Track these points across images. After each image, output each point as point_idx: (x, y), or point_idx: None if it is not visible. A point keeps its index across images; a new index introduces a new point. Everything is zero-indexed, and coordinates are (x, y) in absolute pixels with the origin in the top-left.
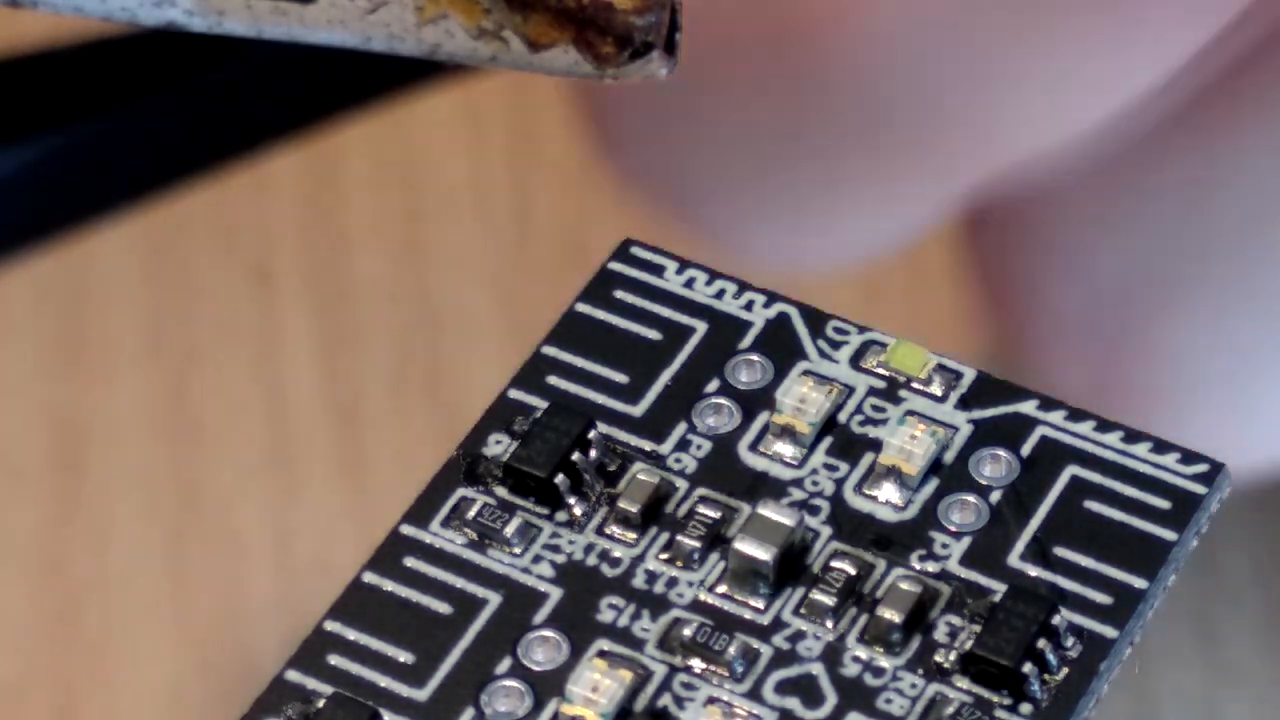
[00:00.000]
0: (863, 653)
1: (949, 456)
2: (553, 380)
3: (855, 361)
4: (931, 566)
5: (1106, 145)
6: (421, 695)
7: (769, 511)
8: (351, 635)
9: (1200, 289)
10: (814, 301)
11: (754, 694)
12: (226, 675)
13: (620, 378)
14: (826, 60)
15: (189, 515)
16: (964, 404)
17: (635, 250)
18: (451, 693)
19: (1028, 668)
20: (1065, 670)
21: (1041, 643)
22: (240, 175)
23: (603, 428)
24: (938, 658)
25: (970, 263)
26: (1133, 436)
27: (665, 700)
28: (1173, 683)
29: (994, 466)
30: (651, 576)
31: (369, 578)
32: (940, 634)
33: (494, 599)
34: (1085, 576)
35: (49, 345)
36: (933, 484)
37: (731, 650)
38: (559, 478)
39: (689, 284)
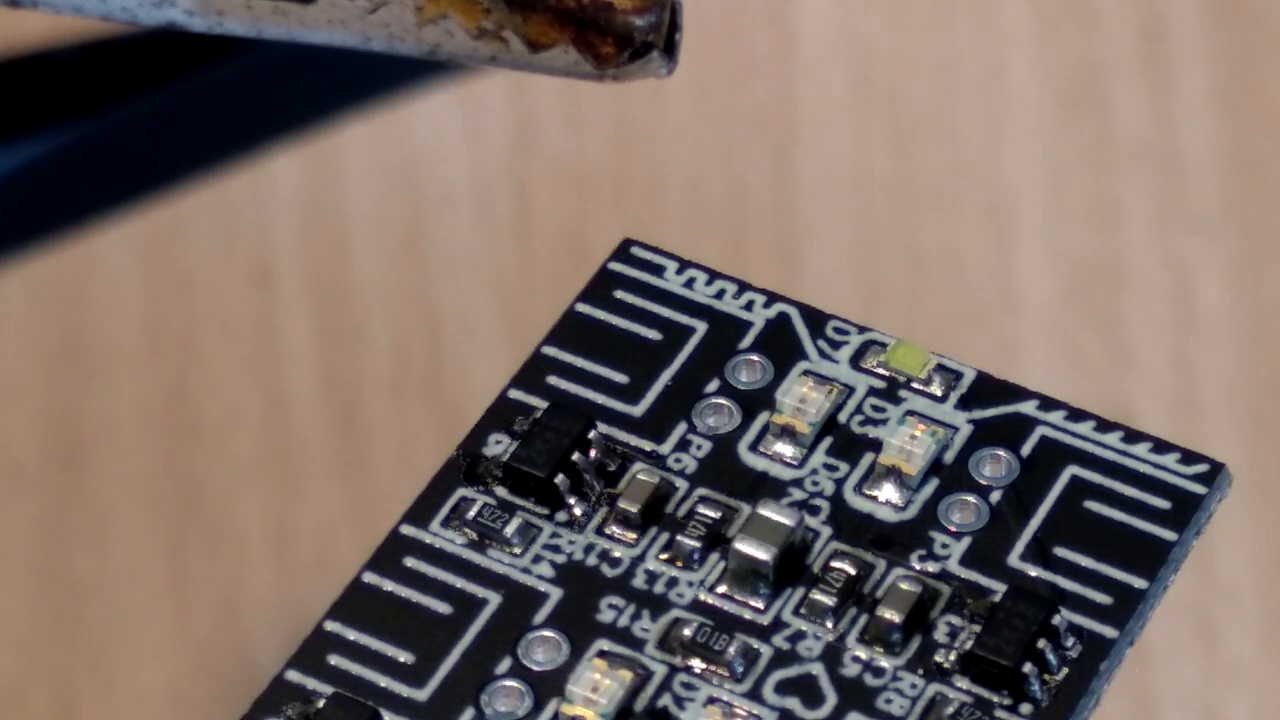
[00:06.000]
0: (863, 653)
1: (949, 456)
2: (553, 380)
3: (855, 361)
4: (931, 566)
5: None
6: (421, 695)
7: (769, 511)
8: (351, 635)
9: None
10: (814, 301)
11: (754, 694)
12: (226, 675)
13: (620, 378)
14: None
15: (189, 515)
16: (964, 404)
17: (635, 250)
18: (451, 693)
19: (1028, 668)
20: (1065, 670)
21: (1041, 643)
22: (240, 175)
23: (603, 428)
24: (938, 658)
25: None
26: (1133, 436)
27: (665, 700)
28: (1173, 683)
29: (994, 466)
30: (651, 576)
31: (369, 578)
32: (940, 634)
33: (494, 599)
34: (1085, 576)
35: (49, 345)
36: (933, 484)
37: (731, 650)
38: (559, 478)
39: (689, 284)
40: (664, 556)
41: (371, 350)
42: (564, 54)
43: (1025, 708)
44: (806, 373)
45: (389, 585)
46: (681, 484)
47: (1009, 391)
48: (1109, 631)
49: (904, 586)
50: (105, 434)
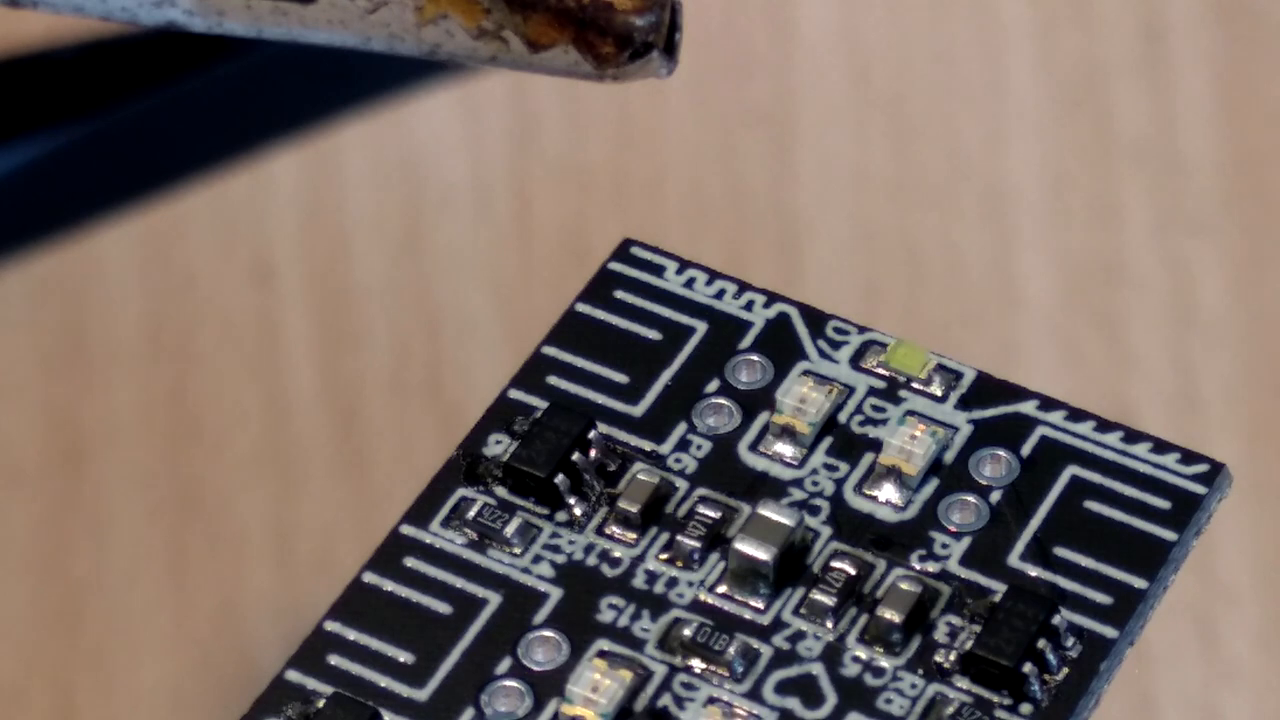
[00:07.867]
0: (863, 653)
1: (949, 456)
2: (553, 380)
3: (855, 361)
4: (931, 566)
5: None
6: (421, 695)
7: (769, 511)
8: (351, 635)
9: None
10: (814, 301)
11: (754, 694)
12: (226, 675)
13: (620, 378)
14: None
15: (189, 515)
16: (964, 404)
17: (635, 250)
18: (451, 693)
19: (1028, 668)
20: (1065, 670)
21: (1041, 643)
22: (240, 175)
23: (603, 428)
24: (938, 658)
25: None
26: (1133, 436)
27: (665, 700)
28: (1173, 683)
29: (994, 466)
30: (651, 576)
31: (369, 578)
32: (940, 634)
33: (494, 599)
34: (1085, 576)
35: (49, 345)
36: (933, 484)
37: (731, 650)
38: (559, 478)
39: (689, 284)
40: (664, 556)
41: (371, 350)
42: (564, 54)
43: (1025, 708)
44: (806, 373)
45: (389, 585)
46: (681, 484)
47: (1009, 391)
48: (1109, 631)
49: (904, 586)
50: (105, 434)
